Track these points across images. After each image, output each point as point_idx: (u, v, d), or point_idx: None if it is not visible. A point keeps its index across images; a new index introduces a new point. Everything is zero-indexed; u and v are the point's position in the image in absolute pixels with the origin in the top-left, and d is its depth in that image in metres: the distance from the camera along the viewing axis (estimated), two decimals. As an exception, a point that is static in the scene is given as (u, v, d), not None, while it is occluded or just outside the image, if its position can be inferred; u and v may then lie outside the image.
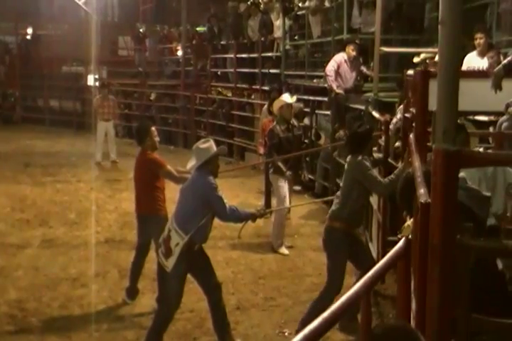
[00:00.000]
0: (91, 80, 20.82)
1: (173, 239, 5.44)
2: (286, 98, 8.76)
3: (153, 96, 19.94)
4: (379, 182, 5.81)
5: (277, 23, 14.20)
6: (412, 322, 3.11)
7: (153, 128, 6.81)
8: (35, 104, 24.15)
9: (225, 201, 5.51)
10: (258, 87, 14.94)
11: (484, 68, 7.31)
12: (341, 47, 10.68)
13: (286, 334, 5.92)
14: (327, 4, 11.89)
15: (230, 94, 16.81)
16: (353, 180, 5.92)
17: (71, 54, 22.94)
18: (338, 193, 6.13)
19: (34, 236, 8.96)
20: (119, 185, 12.23)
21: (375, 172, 5.99)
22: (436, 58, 5.89)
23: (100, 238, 8.89)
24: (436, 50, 6.51)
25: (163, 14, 23.39)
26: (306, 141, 11.68)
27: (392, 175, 5.82)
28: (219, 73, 17.83)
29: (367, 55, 10.87)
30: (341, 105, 10.51)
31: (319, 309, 5.43)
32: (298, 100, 10.12)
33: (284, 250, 8.33)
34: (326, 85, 10.81)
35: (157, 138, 6.77)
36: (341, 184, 6.26)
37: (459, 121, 3.80)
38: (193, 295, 6.21)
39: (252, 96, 15.86)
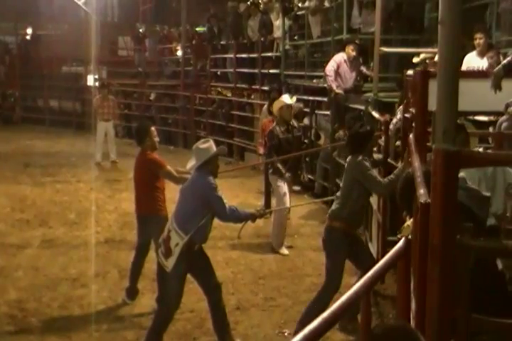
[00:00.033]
0: (91, 80, 20.80)
1: (173, 239, 5.44)
2: (286, 99, 8.76)
3: (152, 97, 19.94)
4: (378, 182, 5.82)
5: (277, 23, 14.20)
6: (412, 322, 3.12)
7: (152, 129, 6.81)
8: (35, 104, 24.16)
9: (225, 201, 5.52)
10: (258, 87, 14.94)
11: (484, 68, 7.31)
12: (341, 47, 10.68)
13: (286, 334, 5.91)
14: (327, 4, 11.89)
15: (229, 94, 16.81)
16: (352, 180, 5.92)
17: (71, 54, 22.94)
18: (338, 193, 6.14)
19: (34, 237, 8.96)
20: (119, 185, 12.24)
21: (374, 172, 5.99)
22: (436, 58, 5.90)
23: (100, 238, 8.89)
24: (436, 50, 6.51)
25: (163, 14, 23.40)
26: (305, 141, 11.67)
27: (391, 175, 5.83)
28: (219, 73, 17.82)
29: (367, 55, 10.87)
30: (341, 105, 10.51)
31: (317, 309, 5.45)
32: (298, 100, 10.12)
33: (284, 250, 8.33)
34: (325, 85, 10.81)
35: (157, 139, 6.77)
36: (341, 184, 6.26)
37: (458, 121, 3.80)
38: (193, 295, 6.21)
39: (252, 97, 15.85)
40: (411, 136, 4.78)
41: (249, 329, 6.09)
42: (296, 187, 11.37)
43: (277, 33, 14.21)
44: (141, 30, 22.03)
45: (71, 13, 22.85)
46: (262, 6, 14.99)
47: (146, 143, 6.65)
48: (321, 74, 11.28)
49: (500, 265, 3.34)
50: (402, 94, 7.60)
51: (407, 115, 6.03)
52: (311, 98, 11.99)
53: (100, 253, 8.15)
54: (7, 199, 11.12)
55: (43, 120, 22.83)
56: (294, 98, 9.18)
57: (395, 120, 7.28)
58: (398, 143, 7.03)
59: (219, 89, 17.51)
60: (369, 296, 2.91)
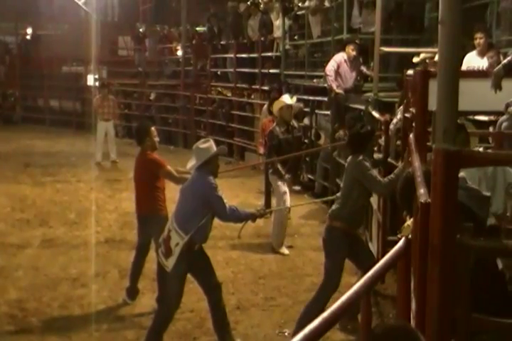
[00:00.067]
0: (91, 80, 20.82)
1: (173, 238, 5.44)
2: (286, 99, 8.75)
3: (153, 96, 19.94)
4: (378, 182, 5.82)
5: (277, 22, 14.20)
6: (412, 322, 3.12)
7: (152, 128, 6.81)
8: (35, 104, 24.16)
9: (225, 201, 5.52)
10: (258, 86, 14.94)
11: (484, 68, 7.31)
12: (341, 47, 10.67)
13: (286, 334, 5.91)
14: (327, 4, 11.89)
15: (229, 94, 16.81)
16: (353, 180, 5.92)
17: (71, 54, 22.94)
18: (339, 194, 6.15)
19: (34, 236, 8.96)
20: (119, 185, 12.24)
21: (374, 172, 5.99)
22: (436, 58, 5.90)
23: (100, 238, 8.89)
24: (436, 49, 6.51)
25: (163, 14, 23.39)
26: (306, 141, 11.68)
27: (391, 175, 5.83)
28: (219, 73, 17.83)
29: (367, 54, 10.87)
30: (341, 105, 10.50)
31: (316, 309, 5.46)
32: (298, 100, 10.12)
33: (284, 250, 8.33)
34: (325, 85, 10.81)
35: (157, 138, 6.76)
36: (342, 184, 6.27)
37: (458, 120, 3.80)
38: (193, 295, 6.21)
39: (252, 96, 15.85)
40: (411, 135, 4.78)
41: (250, 328, 6.10)
42: (296, 187, 11.38)
43: (277, 32, 14.21)
44: (141, 30, 22.02)
45: (71, 13, 22.86)
46: (262, 5, 15.00)
47: (146, 143, 6.64)
48: (321, 74, 11.28)
49: (500, 265, 3.34)
50: (402, 94, 7.60)
51: (407, 115, 6.03)
52: (311, 98, 11.99)
53: (100, 253, 8.15)
54: (7, 199, 11.12)
55: (43, 120, 22.84)
56: (294, 98, 9.18)
57: (395, 120, 7.28)
58: (399, 142, 7.03)
59: (219, 88, 17.50)
60: (369, 296, 2.91)
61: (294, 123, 8.92)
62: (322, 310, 2.60)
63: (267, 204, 9.58)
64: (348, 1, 10.75)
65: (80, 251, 8.34)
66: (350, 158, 6.07)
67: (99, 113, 15.00)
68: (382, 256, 3.60)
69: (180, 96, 18.54)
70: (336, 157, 10.19)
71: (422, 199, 2.95)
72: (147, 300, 6.66)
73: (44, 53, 23.65)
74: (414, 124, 4.94)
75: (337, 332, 5.74)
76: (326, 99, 11.21)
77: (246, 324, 6.18)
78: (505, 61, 4.92)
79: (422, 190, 3.07)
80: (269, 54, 14.68)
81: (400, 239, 3.20)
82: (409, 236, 3.24)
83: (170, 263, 5.46)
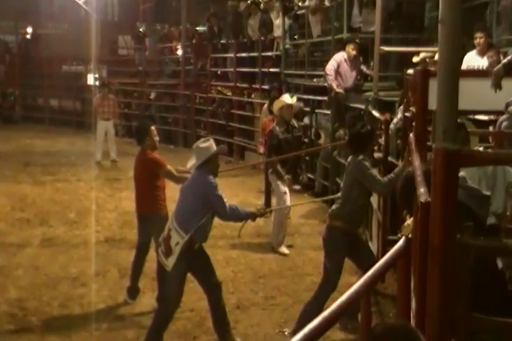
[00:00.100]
0: (91, 79, 20.81)
1: (173, 238, 5.44)
2: (287, 98, 8.75)
3: (153, 96, 19.94)
4: (378, 181, 5.82)
5: (277, 22, 14.20)
6: (412, 321, 3.12)
7: (152, 128, 6.81)
8: (35, 103, 24.17)
9: (225, 200, 5.52)
10: (258, 86, 14.93)
11: (484, 67, 7.31)
12: (341, 46, 10.67)
13: (286, 333, 5.92)
14: (327, 3, 11.88)
15: (229, 94, 16.81)
16: (353, 179, 5.93)
17: (71, 53, 22.96)
18: (339, 193, 6.16)
19: (34, 236, 8.96)
20: (119, 184, 12.24)
21: (374, 171, 5.99)
22: (436, 57, 5.90)
23: (100, 237, 8.89)
24: (436, 49, 6.51)
25: (163, 13, 23.39)
26: (306, 140, 11.68)
27: (391, 174, 5.83)
28: (219, 72, 17.82)
29: (367, 54, 10.86)
30: (341, 104, 10.50)
31: (315, 308, 5.47)
32: (298, 99, 10.11)
33: (284, 249, 8.32)
34: (326, 84, 10.81)
35: (157, 138, 6.76)
36: (342, 184, 6.27)
37: (458, 120, 3.80)
38: (193, 294, 6.21)
39: (252, 96, 15.86)
40: (411, 135, 4.78)
41: (250, 328, 6.10)
42: (296, 186, 11.39)
43: (277, 32, 14.20)
44: (141, 29, 22.00)
45: (71, 12, 22.86)
46: (262, 5, 14.99)
47: (146, 142, 6.65)
48: (322, 73, 11.28)
49: (500, 264, 3.34)
50: (402, 94, 7.60)
51: (407, 114, 6.03)
52: (311, 97, 11.99)
53: (100, 252, 8.16)
54: (7, 199, 11.12)
55: (43, 119, 22.84)
56: (295, 98, 9.17)
57: (395, 120, 7.28)
58: (399, 142, 7.03)
59: (219, 88, 17.50)
60: (369, 295, 2.91)
61: (294, 122, 8.92)
62: (321, 310, 2.61)
63: (267, 203, 9.58)
64: (348, 0, 10.75)
65: (79, 250, 8.34)
66: (350, 157, 6.07)
67: (99, 112, 15.00)
68: (382, 255, 3.60)
69: (180, 96, 18.54)
70: (336, 156, 10.19)
71: (422, 199, 2.95)
72: (147, 300, 6.66)
73: (44, 52, 23.66)
74: (414, 123, 4.94)
75: (337, 332, 5.75)
76: (326, 98, 11.20)
77: (246, 323, 6.18)
78: (505, 60, 4.92)
79: (422, 190, 3.07)
80: (269, 53, 14.68)
81: (400, 238, 3.20)
82: (409, 235, 3.24)
83: (170, 263, 5.46)
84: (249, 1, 15.46)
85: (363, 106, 9.45)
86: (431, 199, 2.85)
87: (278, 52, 14.24)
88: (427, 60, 8.31)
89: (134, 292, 6.75)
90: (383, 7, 9.39)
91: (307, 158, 11.96)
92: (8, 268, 7.66)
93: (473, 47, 7.73)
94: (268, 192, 9.70)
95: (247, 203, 9.91)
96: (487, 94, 4.75)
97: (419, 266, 2.97)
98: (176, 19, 20.36)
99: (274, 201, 9.05)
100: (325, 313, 2.45)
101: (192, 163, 5.65)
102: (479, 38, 7.65)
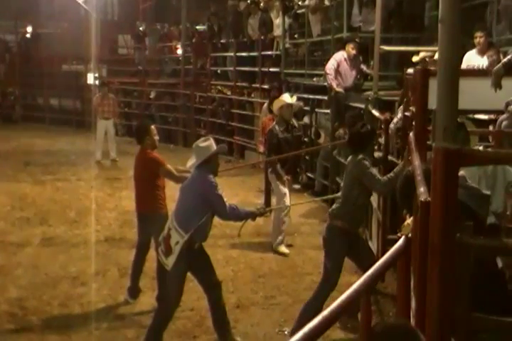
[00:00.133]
0: (91, 79, 20.79)
1: (173, 237, 5.44)
2: (286, 98, 8.74)
3: (152, 95, 19.93)
4: (378, 181, 5.82)
5: (277, 21, 14.20)
6: (412, 321, 3.12)
7: (152, 127, 6.81)
8: (35, 102, 24.15)
9: (225, 199, 5.52)
10: (258, 85, 14.93)
11: (484, 67, 7.31)
12: (341, 45, 10.67)
13: (286, 332, 5.92)
14: (327, 2, 11.88)
15: (229, 93, 16.81)
16: (353, 179, 5.93)
17: (71, 52, 22.94)
18: (340, 193, 6.16)
19: (34, 235, 8.96)
20: (119, 183, 12.24)
21: (374, 170, 5.99)
22: (436, 56, 5.89)
23: (100, 236, 8.89)
24: (435, 48, 6.51)
25: (163, 12, 23.38)
26: (305, 139, 11.68)
27: (391, 173, 5.83)
28: (219, 71, 17.82)
29: (367, 53, 10.86)
30: (341, 103, 10.50)
31: (314, 307, 5.47)
32: (298, 99, 10.11)
33: (284, 249, 8.30)
34: (325, 84, 10.81)
35: (157, 137, 6.76)
36: (342, 183, 6.27)
37: (458, 119, 3.80)
38: (193, 293, 6.22)
39: (252, 95, 15.86)
40: (411, 134, 4.78)
41: (249, 327, 6.10)
42: (296, 186, 11.38)
43: (277, 31, 14.20)
44: (141, 29, 22.02)
45: (71, 12, 22.84)
46: (262, 4, 14.99)
47: (146, 141, 6.65)
48: (321, 72, 11.28)
49: (500, 263, 3.34)
50: (402, 93, 7.60)
51: (407, 113, 6.03)
52: (311, 96, 11.99)
53: (100, 252, 8.16)
54: (7, 198, 11.13)
55: (43, 118, 22.84)
56: (294, 97, 9.16)
57: (395, 119, 7.28)
58: (399, 141, 7.03)
59: (219, 87, 17.51)
60: (369, 294, 2.91)
61: (294, 122, 8.92)
62: (320, 309, 2.61)
63: (267, 202, 9.59)
64: (348, -1, 10.76)
65: (79, 249, 8.34)
66: (350, 156, 6.08)
67: (99, 111, 15.01)
68: (382, 254, 3.60)
69: (180, 95, 18.54)
70: (336, 155, 10.19)
71: (422, 198, 2.95)
72: (147, 299, 6.66)
73: (44, 52, 23.66)
74: (414, 123, 4.94)
75: (337, 331, 5.75)
76: (326, 97, 11.20)
77: (246, 322, 6.18)
78: (505, 60, 4.91)
79: (421, 189, 3.07)
80: (269, 52, 14.67)
81: (399, 237, 3.20)
82: (409, 234, 3.24)
83: (170, 262, 5.46)
84: (249, 1, 15.46)
85: (362, 106, 9.45)
86: (431, 199, 2.85)
87: (278, 52, 14.23)
88: (427, 59, 8.31)
89: (134, 291, 6.75)
90: (383, 6, 9.39)
91: (307, 157, 11.96)
92: (8, 267, 7.66)
93: (473, 46, 7.73)
94: (268, 192, 9.71)
95: (247, 202, 9.92)
96: (487, 93, 4.75)
97: (419, 265, 2.97)
98: (176, 18, 20.37)
99: (274, 200, 9.05)
100: (325, 312, 2.45)
101: (192, 162, 5.65)
102: (479, 37, 7.65)
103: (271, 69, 14.36)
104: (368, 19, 10.64)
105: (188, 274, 5.63)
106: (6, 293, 6.88)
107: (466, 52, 7.63)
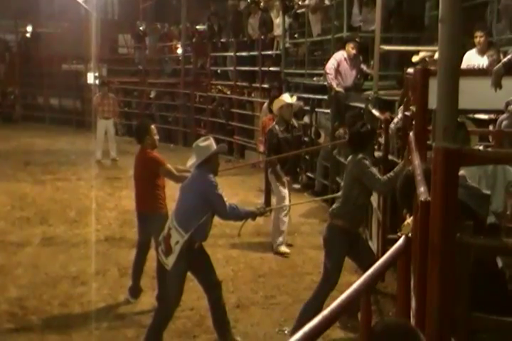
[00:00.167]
0: (91, 78, 20.81)
1: (173, 237, 5.44)
2: (286, 98, 8.73)
3: (153, 95, 19.94)
4: (378, 180, 5.82)
5: (277, 21, 14.20)
6: (412, 321, 3.12)
7: (152, 127, 6.81)
8: (35, 102, 24.16)
9: (225, 199, 5.52)
10: (258, 85, 14.94)
11: (484, 66, 7.31)
12: (341, 45, 10.67)
13: (286, 332, 5.92)
14: (327, 2, 11.89)
15: (229, 92, 16.81)
16: (353, 178, 5.93)
17: (71, 52, 22.94)
18: (340, 193, 6.16)
19: (34, 235, 8.96)
20: (119, 183, 12.24)
21: (374, 170, 5.99)
22: (436, 56, 5.89)
23: (100, 236, 8.89)
24: (436, 48, 6.50)
25: (163, 12, 23.38)
26: (306, 139, 11.68)
27: (391, 173, 5.83)
28: (219, 71, 17.82)
29: (367, 53, 10.85)
30: (341, 103, 10.50)
31: (314, 307, 5.47)
32: (298, 98, 10.11)
33: (285, 249, 8.27)
34: (325, 83, 10.81)
35: (157, 137, 6.76)
36: (342, 183, 6.27)
37: (458, 119, 3.80)
38: (193, 293, 6.21)
39: (252, 95, 15.86)
40: (411, 134, 4.78)
41: (249, 327, 6.10)
42: (296, 186, 11.38)
43: (277, 31, 14.21)
44: (141, 28, 22.02)
45: (71, 11, 22.84)
46: (262, 3, 15.00)
47: (146, 141, 6.65)
48: (322, 72, 11.28)
49: (500, 263, 3.34)
50: (402, 93, 7.60)
51: (407, 113, 6.03)
52: (311, 96, 11.99)
53: (100, 251, 8.16)
54: (7, 197, 11.13)
55: (43, 118, 22.84)
56: (294, 97, 9.15)
57: (396, 119, 7.28)
58: (399, 141, 7.03)
59: (219, 87, 17.51)
60: (369, 294, 2.91)
61: (294, 122, 8.90)
62: (320, 309, 2.61)
63: (267, 202, 9.59)
64: (348, -1, 10.76)
65: (79, 249, 8.34)
66: (350, 156, 6.08)
67: (99, 111, 15.01)
68: (382, 254, 3.60)
69: (180, 95, 18.54)
70: (336, 155, 10.19)
71: (422, 198, 2.95)
72: (147, 299, 6.66)
73: (44, 51, 23.65)
74: (414, 122, 4.94)
75: (337, 330, 5.75)
76: (326, 97, 11.20)
77: (246, 322, 6.18)
78: (505, 59, 4.91)
79: (422, 189, 3.07)
80: (269, 52, 14.67)
81: (399, 237, 3.20)
82: (409, 234, 3.24)
83: (170, 262, 5.46)
84: (249, 0, 15.47)
85: (363, 105, 9.45)
86: (431, 199, 2.85)
87: (278, 51, 14.24)
88: (427, 59, 8.31)
89: (136, 291, 6.74)
90: (383, 6, 9.39)
91: (307, 157, 11.96)
92: (8, 267, 7.66)
93: (473, 46, 7.73)
94: (268, 191, 9.71)
95: (247, 202, 9.92)
96: (487, 93, 4.74)
97: (419, 265, 2.97)
98: (176, 18, 20.36)
99: (274, 200, 9.05)
100: (325, 312, 2.45)
101: (192, 161, 5.65)
102: (479, 37, 7.65)
103: (271, 69, 14.36)
104: (368, 19, 10.65)
105: (188, 274, 5.63)
106: (6, 292, 6.88)
107: (466, 52, 7.62)
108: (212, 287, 5.65)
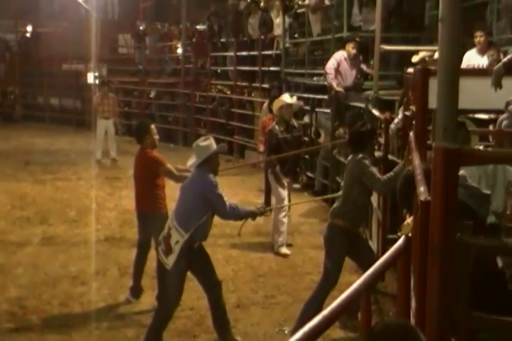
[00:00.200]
0: (91, 78, 20.82)
1: (174, 236, 5.44)
2: (286, 98, 8.72)
3: (153, 94, 19.94)
4: (378, 180, 5.82)
5: (277, 20, 14.20)
6: (412, 320, 3.12)
7: (152, 126, 6.81)
8: (35, 101, 24.17)
9: (225, 199, 5.52)
10: (258, 84, 14.94)
11: (484, 66, 7.31)
12: (341, 45, 10.67)
13: (286, 332, 5.92)
14: (327, 2, 11.88)
15: (229, 92, 16.81)
16: (353, 178, 5.93)
17: (71, 52, 22.94)
18: (340, 192, 6.16)
19: (34, 234, 8.96)
20: (119, 182, 12.24)
21: (374, 170, 5.99)
22: (436, 56, 5.89)
23: (100, 236, 8.89)
24: (436, 48, 6.50)
25: (163, 12, 23.39)
26: (306, 139, 11.68)
27: (391, 173, 5.83)
28: (219, 71, 17.83)
29: (367, 53, 10.86)
30: (341, 103, 10.50)
31: (314, 307, 5.47)
32: (298, 98, 10.11)
33: (285, 250, 8.24)
34: (325, 83, 10.81)
35: (157, 136, 6.76)
36: (342, 182, 6.27)
37: (459, 119, 3.80)
38: (193, 292, 6.22)
39: (252, 94, 15.86)
40: (411, 133, 4.78)
41: (250, 327, 6.10)
42: (296, 185, 11.38)
43: (277, 30, 14.21)
44: (141, 28, 22.03)
45: (71, 11, 22.86)
46: (262, 3, 14.99)
47: (146, 140, 6.64)
48: (322, 72, 11.27)
49: (500, 263, 3.34)
50: (402, 93, 7.60)
51: (407, 113, 6.03)
52: (311, 96, 11.99)
53: (100, 251, 8.16)
54: (7, 197, 11.13)
55: (43, 118, 22.85)
56: (294, 97, 9.15)
57: (396, 120, 7.27)
58: (399, 141, 7.03)
59: (219, 86, 17.52)
60: (369, 294, 2.91)
61: (294, 122, 8.90)
62: (320, 308, 2.61)
63: (267, 202, 9.58)
64: (348, -1, 10.76)
65: (79, 249, 8.34)
66: (350, 156, 6.08)
67: (99, 111, 15.01)
68: (382, 254, 3.61)
69: (181, 94, 18.54)
70: (336, 155, 10.19)
71: (422, 198, 2.95)
72: (147, 298, 6.66)
73: (44, 51, 23.67)
74: (414, 122, 4.94)
75: (337, 330, 5.75)
76: (326, 97, 11.20)
77: (246, 322, 6.18)
78: (505, 59, 4.91)
79: (421, 188, 3.07)
80: (269, 52, 14.67)
81: (399, 237, 3.20)
82: (409, 234, 3.24)
83: (170, 261, 5.46)
84: (249, 0, 15.46)
85: (363, 105, 9.45)
86: (431, 198, 2.85)
87: (278, 51, 14.24)
88: (427, 58, 8.30)
89: (137, 291, 6.74)
90: (383, 6, 9.39)
91: (307, 157, 11.96)
92: (8, 266, 7.66)
93: (473, 45, 7.73)
94: (268, 191, 9.70)
95: (247, 202, 9.92)
96: (487, 92, 4.74)
97: (419, 264, 2.97)
98: (176, 18, 20.37)
99: (273, 200, 9.04)
100: (325, 312, 2.45)
101: (192, 161, 5.65)
102: (479, 37, 7.65)
103: (271, 69, 14.36)
104: (368, 18, 10.64)
105: (188, 273, 5.63)
106: (5, 292, 6.88)
107: (466, 52, 7.62)
108: (213, 287, 5.65)
